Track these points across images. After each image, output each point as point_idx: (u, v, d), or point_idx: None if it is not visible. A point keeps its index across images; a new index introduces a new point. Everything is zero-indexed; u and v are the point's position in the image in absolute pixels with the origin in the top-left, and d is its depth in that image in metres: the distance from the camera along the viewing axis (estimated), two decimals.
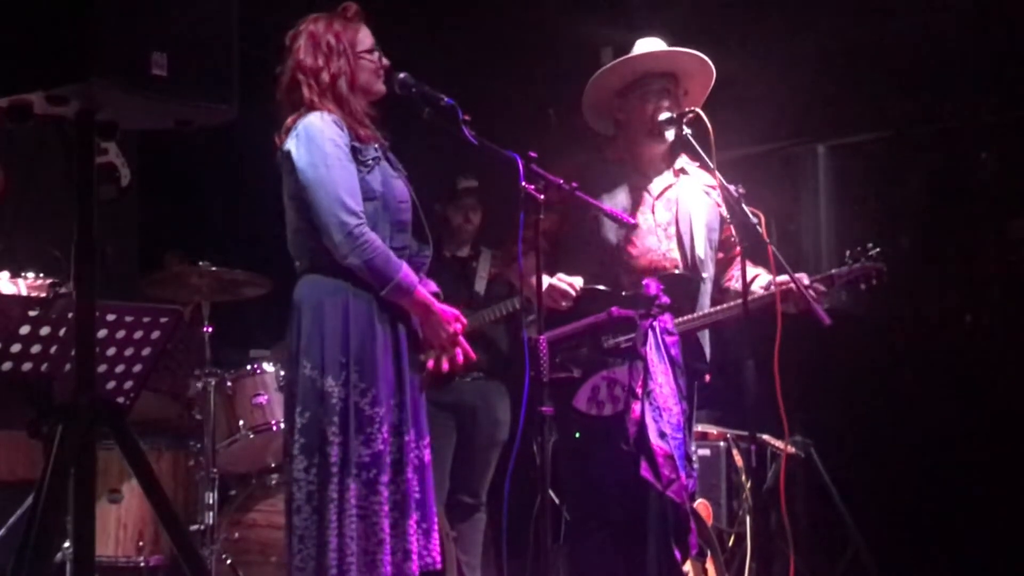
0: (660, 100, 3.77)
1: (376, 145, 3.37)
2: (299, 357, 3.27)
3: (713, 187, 3.87)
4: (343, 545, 3.17)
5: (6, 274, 3.41)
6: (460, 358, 3.44)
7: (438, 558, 3.34)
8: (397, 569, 3.24)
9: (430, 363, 3.47)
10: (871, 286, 3.80)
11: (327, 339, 3.24)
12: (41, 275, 3.40)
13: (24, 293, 3.34)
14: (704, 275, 3.78)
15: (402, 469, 3.29)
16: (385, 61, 3.45)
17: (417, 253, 3.47)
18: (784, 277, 3.65)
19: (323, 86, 3.36)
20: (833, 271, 3.80)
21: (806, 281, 3.69)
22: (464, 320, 3.45)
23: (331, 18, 3.44)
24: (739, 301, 3.63)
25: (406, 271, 3.30)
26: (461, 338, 3.43)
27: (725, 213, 3.83)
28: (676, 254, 3.78)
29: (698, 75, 3.85)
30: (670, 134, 3.76)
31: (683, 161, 3.90)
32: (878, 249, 3.79)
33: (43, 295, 3.21)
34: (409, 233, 3.41)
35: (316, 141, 3.25)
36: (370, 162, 3.32)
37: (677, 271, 3.75)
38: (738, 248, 3.87)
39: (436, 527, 3.35)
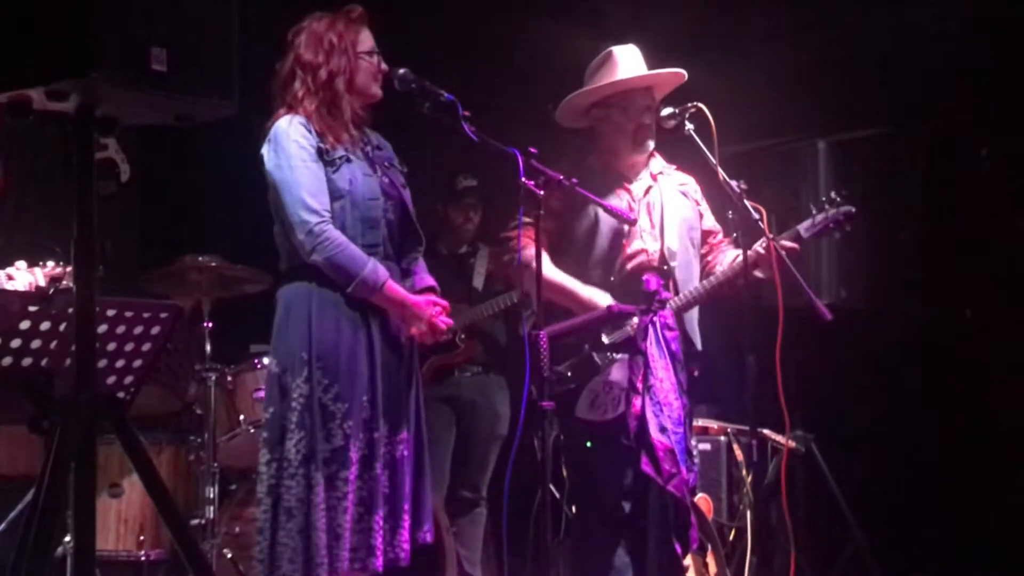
0: (642, 117, 3.80)
1: (347, 145, 3.39)
2: (270, 355, 3.38)
3: (684, 184, 3.90)
4: (296, 539, 3.20)
5: (23, 263, 3.42)
6: (441, 326, 3.43)
7: (404, 555, 3.35)
8: (361, 565, 3.26)
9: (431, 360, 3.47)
10: (846, 232, 3.75)
11: (291, 337, 3.32)
12: (61, 263, 3.42)
13: (42, 282, 3.36)
14: (673, 263, 3.77)
15: (371, 465, 3.30)
16: (384, 66, 3.46)
17: (398, 256, 3.48)
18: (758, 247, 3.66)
19: (319, 83, 3.40)
20: (799, 226, 3.75)
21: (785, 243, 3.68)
22: (443, 302, 3.46)
23: (334, 17, 3.47)
24: (728, 272, 3.68)
25: (372, 268, 3.31)
26: (441, 318, 3.43)
27: (703, 209, 3.90)
28: (657, 251, 3.79)
29: (672, 82, 3.88)
30: (651, 143, 3.81)
31: (659, 164, 3.91)
32: (842, 196, 3.74)
33: (63, 282, 3.23)
34: (381, 230, 3.41)
35: (281, 143, 3.33)
36: (336, 161, 3.36)
37: (665, 267, 3.75)
38: (721, 236, 3.90)
39: (406, 524, 3.36)
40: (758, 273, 3.69)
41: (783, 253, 3.61)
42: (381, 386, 3.35)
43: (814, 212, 3.75)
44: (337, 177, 3.34)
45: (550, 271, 3.62)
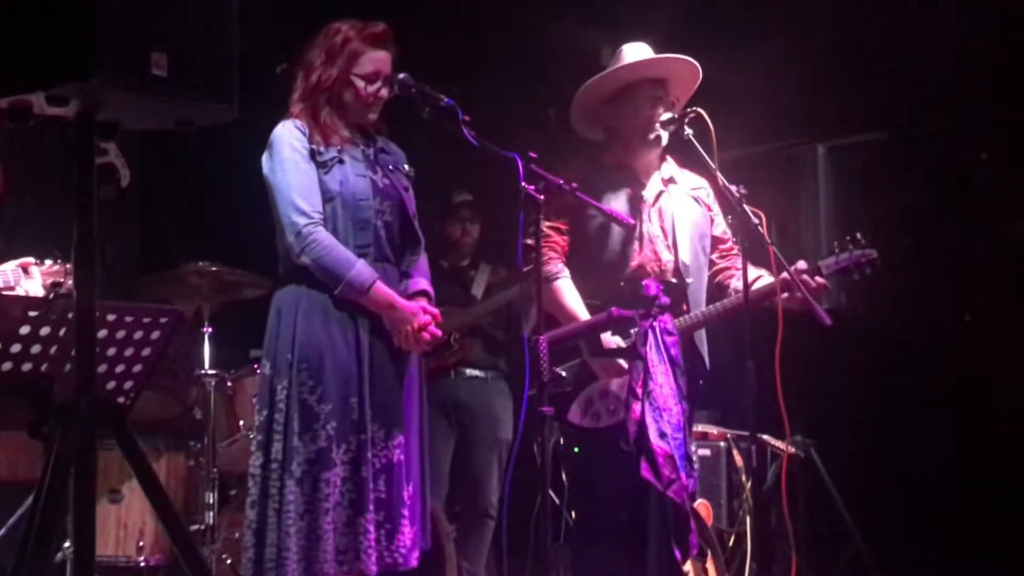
0: (653, 108, 3.77)
1: (339, 146, 3.39)
2: (262, 358, 3.39)
3: (697, 188, 3.88)
4: (281, 540, 3.21)
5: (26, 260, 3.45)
6: (427, 336, 3.41)
7: (405, 560, 3.33)
8: (350, 567, 3.24)
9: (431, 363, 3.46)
10: (865, 275, 3.74)
11: (279, 339, 3.34)
12: (58, 262, 3.43)
13: (40, 281, 3.37)
14: (688, 280, 3.77)
15: (358, 467, 3.29)
16: (383, 93, 3.43)
17: (396, 258, 3.47)
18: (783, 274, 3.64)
19: (308, 86, 3.43)
20: (820, 262, 3.74)
21: (803, 267, 3.67)
22: (433, 310, 3.44)
23: (353, 28, 3.44)
24: (739, 294, 3.65)
25: (359, 270, 3.31)
26: (430, 328, 3.40)
27: (715, 214, 3.88)
28: (670, 262, 3.78)
29: (686, 79, 3.85)
30: (664, 137, 3.77)
31: (671, 168, 3.91)
32: (866, 238, 3.72)
33: (60, 280, 3.24)
34: (373, 231, 3.40)
35: (276, 147, 3.37)
36: (328, 163, 3.37)
37: (674, 280, 3.75)
38: (731, 243, 3.89)
39: (405, 528, 3.34)
40: (786, 303, 3.66)
41: (806, 279, 3.59)
42: (372, 388, 3.34)
43: (837, 251, 3.74)
44: (328, 178, 3.36)
45: (572, 300, 3.68)
